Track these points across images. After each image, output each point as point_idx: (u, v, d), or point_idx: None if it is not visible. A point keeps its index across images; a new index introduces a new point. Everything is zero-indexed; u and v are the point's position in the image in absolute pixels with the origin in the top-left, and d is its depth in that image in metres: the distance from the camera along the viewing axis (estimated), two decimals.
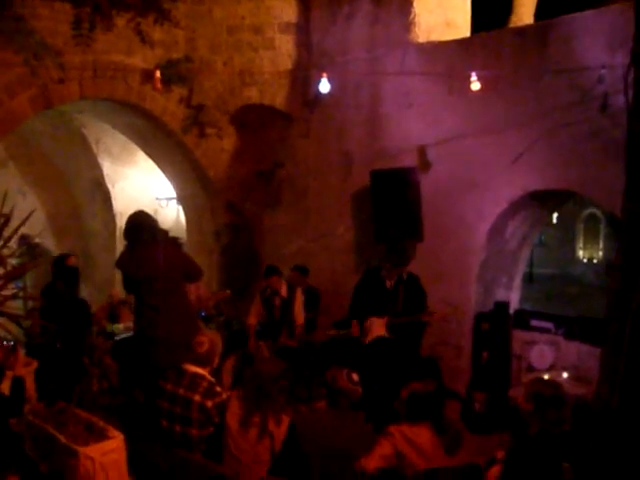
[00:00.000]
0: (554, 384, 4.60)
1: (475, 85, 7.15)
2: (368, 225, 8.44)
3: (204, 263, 8.62)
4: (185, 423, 4.75)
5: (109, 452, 4.19)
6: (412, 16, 8.28)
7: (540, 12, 9.61)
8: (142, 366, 5.89)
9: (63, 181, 12.28)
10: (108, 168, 11.45)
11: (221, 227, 9.83)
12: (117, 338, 7.85)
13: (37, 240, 10.11)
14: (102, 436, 4.29)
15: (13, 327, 5.98)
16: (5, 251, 5.68)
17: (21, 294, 6.64)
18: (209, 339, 5.03)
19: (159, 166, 10.48)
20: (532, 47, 7.11)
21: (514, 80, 7.13)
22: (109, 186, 11.56)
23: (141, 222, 6.00)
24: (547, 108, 6.90)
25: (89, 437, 4.27)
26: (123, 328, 8.02)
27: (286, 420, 4.60)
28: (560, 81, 6.75)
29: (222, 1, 8.92)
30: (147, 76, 8.38)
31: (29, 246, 8.88)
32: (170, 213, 11.92)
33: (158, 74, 8.20)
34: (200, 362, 4.94)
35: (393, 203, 8.06)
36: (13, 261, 6.00)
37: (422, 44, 8.25)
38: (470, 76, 7.14)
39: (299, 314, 7.89)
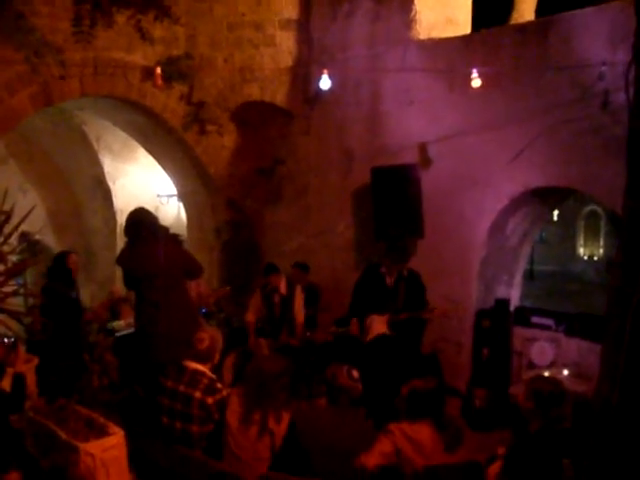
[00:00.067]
0: (554, 381, 4.61)
1: (476, 82, 7.15)
2: (368, 222, 8.44)
3: (205, 260, 8.63)
4: (185, 420, 4.75)
5: (110, 448, 4.19)
6: (413, 13, 8.28)
7: (541, 9, 9.60)
8: (143, 362, 5.89)
9: (64, 178, 12.28)
10: (109, 165, 11.44)
11: (222, 224, 9.84)
12: (118, 335, 7.86)
13: (37, 237, 10.13)
14: (102, 432, 4.29)
15: (14, 324, 5.99)
16: (5, 248, 5.68)
17: (22, 291, 6.65)
18: (210, 336, 5.03)
19: (160, 163, 10.48)
20: (533, 44, 7.11)
21: (515, 77, 7.14)
22: (110, 183, 11.55)
23: (141, 219, 6.00)
24: (548, 105, 6.89)
25: (89, 433, 4.27)
26: (124, 325, 8.03)
27: (286, 417, 4.59)
28: (561, 78, 6.74)
29: None
30: (147, 73, 8.38)
31: (29, 243, 8.90)
32: (171, 210, 11.92)
33: (158, 71, 8.20)
34: (201, 359, 4.93)
35: (394, 200, 8.06)
36: (13, 258, 6.00)
37: (423, 41, 8.25)
38: (471, 73, 7.15)
39: (299, 312, 7.89)
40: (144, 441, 4.73)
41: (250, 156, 9.61)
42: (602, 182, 6.48)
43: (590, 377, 6.22)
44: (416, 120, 8.22)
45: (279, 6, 9.20)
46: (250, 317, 7.87)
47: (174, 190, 11.09)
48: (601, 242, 27.69)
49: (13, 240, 5.83)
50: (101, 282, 11.56)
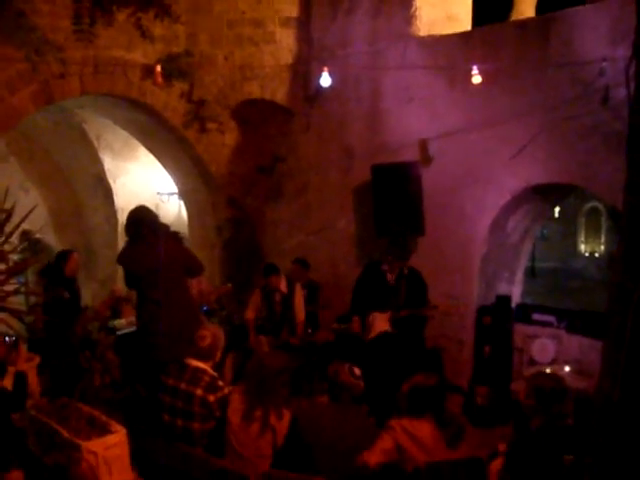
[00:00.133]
0: (556, 378, 4.61)
1: (476, 79, 7.14)
2: (369, 219, 8.44)
3: (206, 258, 8.63)
4: (187, 417, 4.76)
5: (112, 446, 4.20)
6: (413, 9, 8.27)
7: (541, 5, 9.58)
8: (144, 361, 5.89)
9: (64, 177, 12.27)
10: (109, 163, 11.44)
11: (222, 222, 9.84)
12: (119, 333, 7.87)
13: (38, 236, 10.13)
14: (104, 430, 4.29)
15: (15, 323, 5.99)
16: (7, 247, 5.67)
17: (23, 290, 6.65)
18: (211, 333, 5.03)
19: (160, 161, 10.48)
20: (533, 40, 7.10)
21: (515, 73, 7.13)
22: (110, 181, 11.55)
23: (142, 217, 5.99)
24: (549, 101, 6.89)
25: (91, 432, 4.27)
26: (125, 323, 8.04)
27: (288, 414, 4.60)
28: (561, 74, 6.74)
29: None
30: (148, 71, 8.37)
31: (30, 242, 8.90)
32: (172, 208, 11.92)
33: (159, 69, 8.19)
34: (202, 356, 4.94)
35: (394, 197, 8.05)
36: (15, 257, 6.00)
37: (423, 38, 8.24)
38: (471, 70, 7.14)
39: (300, 310, 7.88)
40: (146, 439, 4.73)
41: (250, 154, 9.61)
42: (603, 178, 6.48)
43: (591, 374, 6.22)
44: (417, 117, 8.22)
45: (279, 3, 9.19)
46: (250, 315, 7.87)
47: (175, 188, 11.09)
48: (602, 239, 27.68)
49: (14, 239, 5.82)
50: (102, 281, 11.57)
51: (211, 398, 4.74)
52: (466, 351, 7.99)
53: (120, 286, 8.15)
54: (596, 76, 6.28)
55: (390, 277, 7.02)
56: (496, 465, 4.27)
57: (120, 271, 6.70)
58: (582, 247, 28.55)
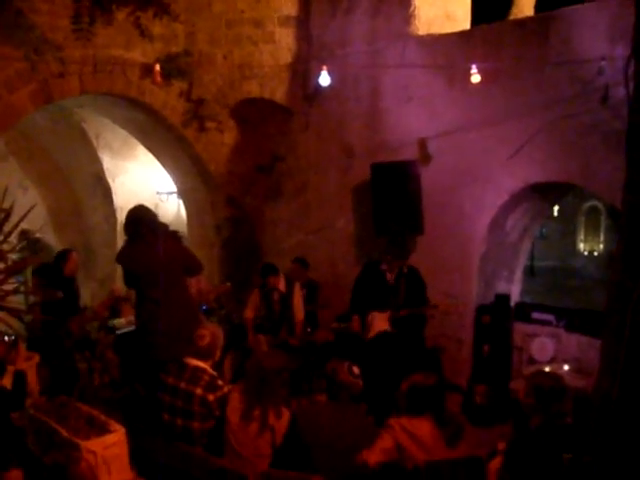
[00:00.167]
0: (555, 376, 4.61)
1: (475, 77, 7.14)
2: (368, 218, 8.44)
3: (205, 257, 8.63)
4: (187, 416, 4.76)
5: (111, 446, 4.19)
6: (412, 9, 8.27)
7: (540, 4, 9.60)
8: (143, 360, 5.89)
9: (63, 176, 12.27)
10: (108, 162, 11.43)
11: (222, 221, 9.83)
12: (118, 332, 7.87)
13: (38, 235, 10.13)
14: (103, 430, 4.29)
15: (14, 322, 5.99)
16: (5, 246, 5.66)
17: (22, 289, 6.64)
18: (210, 332, 5.03)
19: (159, 160, 10.47)
20: (533, 39, 7.10)
21: (514, 72, 7.13)
22: (109, 180, 11.54)
23: (141, 216, 5.99)
24: (548, 100, 6.89)
25: (91, 431, 4.27)
26: (125, 322, 8.03)
27: (287, 413, 4.60)
28: (561, 73, 6.74)
29: None
30: (147, 70, 8.37)
31: (30, 241, 8.90)
32: (171, 207, 11.92)
33: (158, 68, 8.19)
34: (201, 355, 4.94)
35: (394, 196, 8.05)
36: (14, 256, 5.99)
37: (422, 37, 8.24)
38: (470, 69, 7.14)
39: (299, 310, 7.87)
40: (145, 438, 4.73)
41: (250, 153, 9.61)
42: (602, 177, 6.48)
43: (590, 372, 6.22)
44: (416, 116, 8.22)
45: (278, 3, 9.19)
46: (248, 314, 7.87)
47: (174, 187, 11.09)
48: (601, 237, 27.70)
49: (13, 238, 5.81)
50: (101, 280, 11.57)
51: (211, 397, 4.74)
52: (465, 350, 7.99)
53: (119, 285, 8.14)
54: (595, 75, 6.29)
55: (389, 276, 7.02)
56: (495, 464, 4.27)
57: (119, 270, 6.70)
58: (581, 246, 28.56)
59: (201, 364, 4.90)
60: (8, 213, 5.52)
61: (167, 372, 4.94)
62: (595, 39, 6.49)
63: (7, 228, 5.52)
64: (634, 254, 2.94)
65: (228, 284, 8.51)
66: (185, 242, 8.27)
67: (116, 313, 8.47)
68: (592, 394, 3.23)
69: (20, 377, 5.31)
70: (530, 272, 21.15)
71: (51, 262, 7.60)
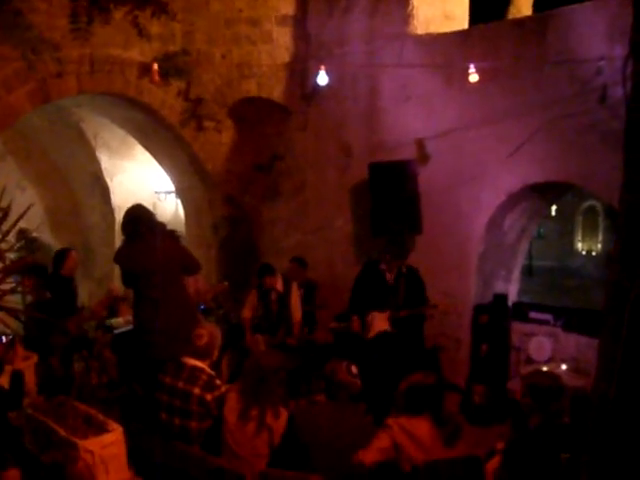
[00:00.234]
0: (552, 376, 4.62)
1: (473, 77, 7.15)
2: (367, 218, 8.44)
3: (203, 256, 8.62)
4: (184, 416, 4.76)
5: (108, 445, 4.19)
6: (410, 8, 8.27)
7: (539, 3, 9.60)
8: (141, 359, 5.89)
9: (61, 175, 12.25)
10: (106, 162, 11.42)
11: (219, 220, 9.82)
12: (116, 332, 7.86)
13: (35, 234, 10.11)
14: (101, 429, 4.28)
15: (12, 321, 5.98)
16: (3, 245, 5.66)
17: (20, 288, 6.64)
18: (208, 332, 5.03)
19: (157, 160, 10.46)
20: (531, 39, 7.11)
21: (513, 72, 7.13)
22: (107, 180, 11.52)
23: (139, 215, 6.00)
24: (546, 100, 6.90)
25: (88, 430, 4.26)
26: (122, 322, 8.03)
27: (284, 413, 4.60)
28: (559, 73, 6.74)
29: None
30: (145, 69, 8.35)
31: (27, 240, 8.89)
32: (169, 206, 11.90)
33: (155, 67, 8.17)
34: (199, 355, 4.94)
35: (391, 196, 8.05)
36: (11, 255, 5.99)
37: (420, 36, 8.24)
38: (468, 68, 7.14)
39: (296, 310, 7.86)
40: (143, 437, 4.73)
41: (248, 152, 9.61)
42: (600, 176, 6.48)
43: (588, 372, 6.23)
44: (414, 115, 8.22)
45: (276, 2, 9.19)
46: (246, 313, 7.86)
47: (172, 186, 11.08)
48: (599, 237, 27.71)
49: (11, 237, 5.82)
50: (99, 279, 11.55)
51: (208, 397, 4.74)
52: (463, 350, 8.00)
53: (117, 285, 8.13)
54: (594, 74, 6.29)
55: (389, 276, 7.02)
56: (493, 464, 4.27)
57: (117, 270, 6.69)
58: (579, 245, 28.58)
59: (199, 364, 4.90)
60: (6, 212, 5.52)
61: (165, 372, 4.94)
62: (593, 39, 6.49)
63: (5, 227, 5.52)
64: (632, 254, 2.94)
65: (226, 283, 8.50)
66: (183, 241, 8.27)
67: (114, 312, 8.47)
68: (590, 394, 3.23)
69: (18, 377, 5.30)
70: (528, 272, 21.14)
71: (44, 262, 7.58)
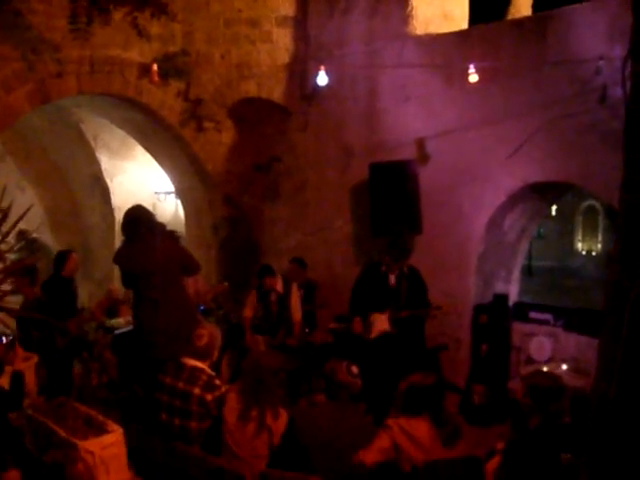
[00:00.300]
0: (552, 376, 4.62)
1: (473, 77, 7.15)
2: (367, 218, 8.44)
3: (203, 257, 8.63)
4: (184, 416, 4.76)
5: (109, 446, 4.19)
6: (410, 8, 8.27)
7: (538, 4, 9.60)
8: (141, 360, 5.89)
9: (61, 176, 12.26)
10: (106, 162, 11.43)
11: (219, 220, 9.82)
12: (116, 332, 7.86)
13: (35, 235, 10.11)
14: (101, 430, 4.29)
15: (12, 322, 5.99)
16: (3, 246, 5.66)
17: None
18: (208, 332, 5.03)
19: (157, 160, 10.46)
20: (530, 39, 7.11)
21: (513, 72, 7.13)
22: (107, 180, 11.53)
23: (138, 216, 6.00)
24: (546, 100, 6.90)
25: (88, 431, 4.27)
26: (123, 322, 8.03)
27: (284, 414, 4.60)
28: (559, 73, 6.74)
29: None
30: (144, 70, 8.36)
31: (27, 241, 8.88)
32: (169, 207, 11.90)
33: (155, 68, 8.18)
34: (199, 355, 4.94)
35: (392, 196, 8.05)
36: (11, 256, 5.99)
37: (420, 36, 8.24)
38: (468, 68, 7.14)
39: (296, 310, 7.85)
40: (143, 438, 4.73)
41: (247, 153, 9.61)
42: (600, 176, 6.48)
43: (588, 372, 6.22)
44: (414, 116, 8.22)
45: (275, 3, 9.19)
46: (246, 314, 7.86)
47: (172, 187, 11.08)
48: (599, 237, 27.73)
49: (11, 238, 5.82)
50: (99, 280, 11.55)
51: (209, 397, 4.74)
52: (463, 350, 8.00)
53: (117, 286, 8.14)
54: (593, 75, 6.29)
55: (391, 278, 7.01)
56: (493, 464, 4.27)
57: (117, 270, 6.69)
58: (579, 245, 28.60)
59: (199, 364, 4.90)
60: (5, 213, 5.52)
61: (165, 372, 4.94)
62: (593, 39, 6.49)
63: (5, 228, 5.52)
64: (632, 254, 2.94)
65: (226, 284, 8.51)
66: (183, 242, 8.27)
67: (114, 314, 8.48)
68: (590, 394, 3.23)
69: (18, 377, 5.30)
70: (528, 272, 21.17)
71: (41, 263, 7.59)
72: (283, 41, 9.26)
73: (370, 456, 4.18)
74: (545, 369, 6.69)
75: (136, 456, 4.44)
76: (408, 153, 8.13)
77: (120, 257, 6.07)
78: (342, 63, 8.69)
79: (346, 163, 9.06)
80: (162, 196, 11.84)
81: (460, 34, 8.02)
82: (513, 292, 8.39)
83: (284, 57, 9.31)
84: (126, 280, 6.12)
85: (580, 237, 28.48)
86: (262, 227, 10.01)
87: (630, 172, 3.03)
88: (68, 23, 7.72)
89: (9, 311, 5.66)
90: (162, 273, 5.81)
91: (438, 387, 4.56)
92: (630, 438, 2.83)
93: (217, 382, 4.89)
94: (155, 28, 8.35)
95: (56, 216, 12.37)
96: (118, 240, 8.41)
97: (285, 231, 9.77)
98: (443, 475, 4.16)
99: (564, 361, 7.17)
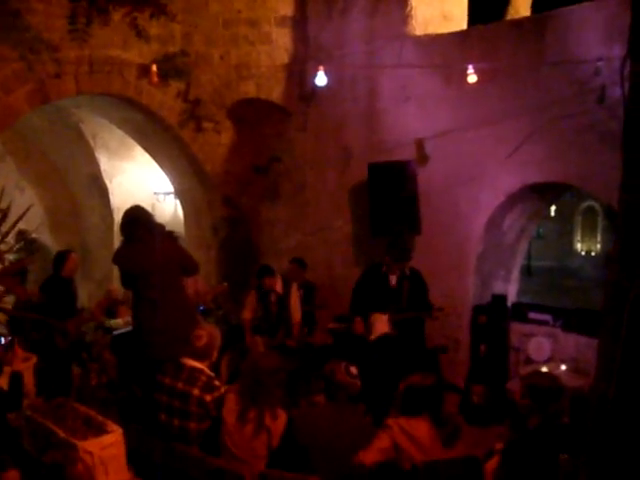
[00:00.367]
0: (550, 376, 4.62)
1: (472, 78, 7.15)
2: (366, 218, 8.44)
3: (202, 257, 8.63)
4: (183, 417, 4.76)
5: (108, 446, 4.19)
6: (409, 9, 8.27)
7: (537, 4, 9.61)
8: (141, 360, 5.89)
9: (60, 176, 12.26)
10: (105, 163, 11.43)
11: (218, 221, 9.83)
12: (115, 333, 7.86)
13: (34, 235, 10.11)
14: (101, 430, 4.29)
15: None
16: (2, 246, 5.67)
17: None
18: (207, 333, 5.02)
19: (156, 161, 10.46)
20: (529, 39, 7.11)
21: (511, 72, 7.14)
22: (107, 181, 11.53)
23: (137, 217, 6.00)
24: (545, 100, 6.90)
25: (88, 431, 4.27)
26: (122, 323, 8.03)
27: (283, 415, 4.59)
28: (558, 73, 6.74)
29: None
30: (144, 71, 8.35)
31: (27, 241, 8.89)
32: (168, 207, 11.90)
33: (154, 68, 8.17)
34: (199, 356, 4.93)
35: (391, 196, 8.05)
36: (11, 256, 5.99)
37: (419, 37, 8.25)
38: (467, 69, 7.14)
39: (295, 311, 7.86)
40: (142, 439, 4.73)
41: (246, 153, 9.61)
42: (598, 177, 6.49)
43: (588, 372, 6.23)
44: (413, 116, 8.23)
45: (275, 3, 9.19)
46: (246, 315, 7.86)
47: (171, 188, 11.08)
48: (598, 237, 27.75)
49: (10, 239, 5.82)
50: (98, 280, 11.55)
51: (208, 398, 4.73)
52: (462, 350, 8.00)
53: (116, 286, 8.14)
54: (592, 75, 6.29)
55: (392, 279, 7.00)
56: (492, 464, 4.27)
57: (116, 271, 6.69)
58: (578, 246, 28.61)
59: (198, 365, 4.90)
60: (5, 213, 5.52)
61: (164, 372, 4.94)
62: (592, 39, 6.49)
63: (4, 228, 5.52)
64: (631, 254, 2.94)
65: (225, 284, 8.51)
66: (182, 242, 8.27)
67: (113, 314, 8.48)
68: (589, 394, 3.23)
69: (17, 378, 5.31)
70: (527, 272, 21.16)
71: (40, 263, 7.60)
72: (282, 41, 9.26)
73: (370, 456, 4.18)
74: (544, 369, 6.69)
75: (135, 457, 4.44)
76: (407, 153, 8.13)
77: (119, 257, 6.07)
78: (341, 63, 8.70)
79: (345, 163, 9.06)
80: (161, 196, 11.84)
81: (459, 34, 8.02)
82: (512, 292, 8.40)
83: (283, 57, 9.31)
84: (125, 280, 6.12)
85: (579, 237, 28.50)
86: (261, 227, 10.01)
87: (629, 172, 3.03)
88: (67, 23, 7.73)
89: (4, 311, 5.67)
90: (161, 273, 5.80)
91: (437, 387, 4.56)
92: (629, 438, 2.83)
93: (216, 383, 4.88)
94: (154, 29, 8.35)
95: (55, 216, 12.37)
96: (117, 240, 8.41)
97: (284, 231, 9.77)
98: (443, 475, 4.16)
99: (563, 361, 7.17)
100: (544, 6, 7.95)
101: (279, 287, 7.83)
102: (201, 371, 4.87)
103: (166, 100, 8.80)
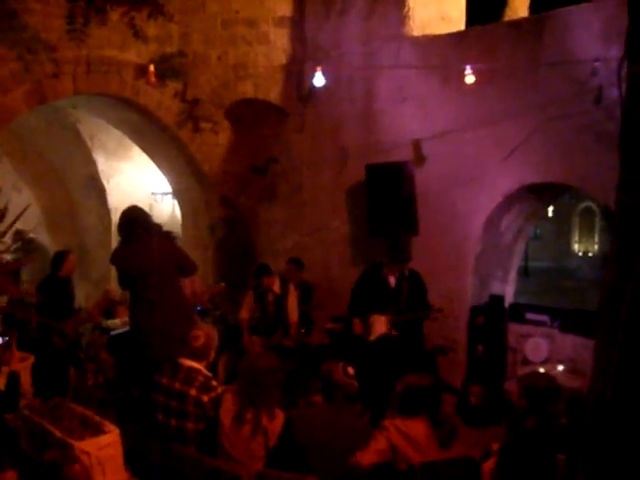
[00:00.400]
0: (548, 377, 4.62)
1: (470, 78, 7.16)
2: (363, 219, 8.45)
3: (200, 258, 8.61)
4: (181, 417, 4.75)
5: (105, 446, 4.19)
6: (407, 10, 8.27)
7: (535, 5, 9.62)
8: (138, 360, 5.89)
9: (58, 177, 12.26)
10: (103, 163, 11.43)
11: (216, 221, 9.83)
12: (113, 333, 7.85)
13: (32, 236, 10.11)
14: (98, 431, 4.28)
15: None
16: (0, 246, 5.67)
17: None
18: (205, 333, 5.02)
19: (154, 161, 10.46)
20: (527, 40, 7.11)
21: (509, 73, 7.14)
22: (104, 181, 11.53)
23: (135, 217, 6.00)
24: (542, 101, 6.90)
25: (85, 432, 4.26)
26: (119, 323, 8.03)
27: (280, 415, 4.59)
28: (555, 74, 6.75)
29: None
30: (141, 71, 8.36)
31: (24, 242, 8.89)
32: (165, 208, 11.90)
33: (152, 69, 8.18)
34: (196, 356, 4.93)
35: (388, 197, 8.06)
36: (8, 256, 5.99)
37: (417, 38, 8.25)
38: (465, 69, 7.14)
39: (293, 311, 7.86)
40: (139, 439, 4.72)
41: (244, 153, 9.61)
42: (596, 177, 6.49)
43: (585, 373, 6.22)
44: (410, 117, 8.22)
45: (273, 3, 9.19)
46: (243, 315, 7.86)
47: (169, 188, 11.08)
48: (596, 238, 27.80)
49: (7, 239, 5.82)
50: (96, 281, 11.55)
51: (205, 398, 4.73)
52: (459, 350, 7.99)
53: (114, 286, 8.13)
54: (589, 76, 6.29)
55: (391, 280, 6.99)
56: (489, 464, 4.27)
57: (114, 271, 6.69)
58: (576, 247, 28.66)
59: (195, 365, 4.89)
60: (2, 214, 5.53)
61: (161, 372, 4.93)
62: (589, 40, 6.50)
63: (1, 228, 5.52)
64: (627, 255, 2.94)
65: (222, 285, 8.50)
66: (179, 242, 8.27)
67: (110, 314, 8.47)
68: (586, 395, 3.23)
69: (14, 378, 5.30)
70: (524, 273, 21.20)
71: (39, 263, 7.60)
72: (280, 42, 9.27)
73: (367, 457, 4.19)
74: (541, 370, 6.69)
75: (132, 457, 4.43)
76: (404, 154, 8.13)
77: (116, 258, 6.07)
78: (339, 64, 8.70)
79: (343, 164, 9.06)
80: (159, 197, 11.84)
81: (457, 35, 8.02)
82: (509, 293, 8.40)
83: (281, 58, 9.31)
84: (122, 280, 6.12)
85: (577, 238, 28.55)
86: (259, 228, 10.01)
87: (626, 173, 3.03)
88: (65, 23, 7.72)
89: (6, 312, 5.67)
90: (158, 274, 5.80)
91: (434, 388, 4.56)
92: (627, 439, 2.83)
93: (213, 383, 4.88)
94: (152, 29, 8.34)
95: (53, 217, 12.36)
96: (115, 241, 8.41)
97: (282, 232, 9.77)
98: (440, 476, 4.16)
99: (560, 362, 7.17)
100: (542, 7, 7.95)
101: (277, 287, 7.83)
102: (198, 371, 4.87)
103: (164, 100, 8.80)
